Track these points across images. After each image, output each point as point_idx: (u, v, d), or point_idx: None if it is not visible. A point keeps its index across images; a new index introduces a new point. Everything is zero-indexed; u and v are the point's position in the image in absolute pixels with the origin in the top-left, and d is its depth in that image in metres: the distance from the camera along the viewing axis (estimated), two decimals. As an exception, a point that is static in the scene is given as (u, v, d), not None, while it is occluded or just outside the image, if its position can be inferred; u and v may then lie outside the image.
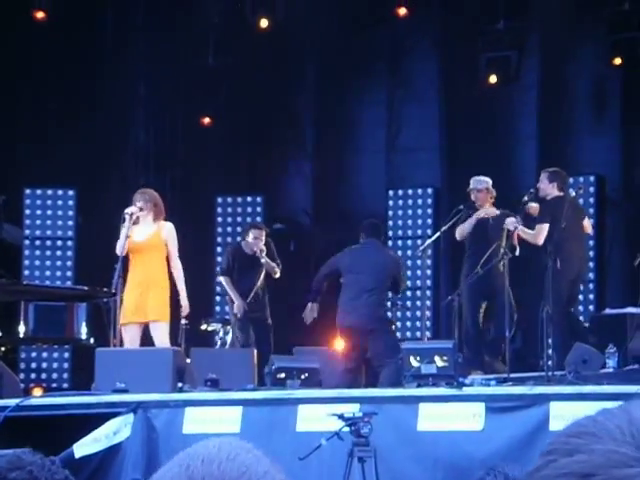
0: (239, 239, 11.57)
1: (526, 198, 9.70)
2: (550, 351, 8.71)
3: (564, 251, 9.38)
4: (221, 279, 11.26)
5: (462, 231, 10.05)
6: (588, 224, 10.16)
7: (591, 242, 11.42)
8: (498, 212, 9.98)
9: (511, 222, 9.61)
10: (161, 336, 8.65)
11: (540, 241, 9.47)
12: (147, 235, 8.78)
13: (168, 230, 8.83)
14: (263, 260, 10.53)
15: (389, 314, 10.41)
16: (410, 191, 12.68)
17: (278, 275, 10.68)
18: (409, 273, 12.51)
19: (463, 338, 9.87)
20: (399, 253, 12.63)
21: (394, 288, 9.98)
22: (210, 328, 11.21)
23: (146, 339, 8.82)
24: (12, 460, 2.23)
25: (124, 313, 8.67)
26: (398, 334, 12.02)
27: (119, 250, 8.64)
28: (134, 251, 8.75)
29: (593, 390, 6.91)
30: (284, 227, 12.60)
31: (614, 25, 11.79)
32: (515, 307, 9.56)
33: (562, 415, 6.70)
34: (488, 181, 10.21)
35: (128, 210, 8.70)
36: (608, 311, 10.32)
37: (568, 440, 1.11)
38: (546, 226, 9.46)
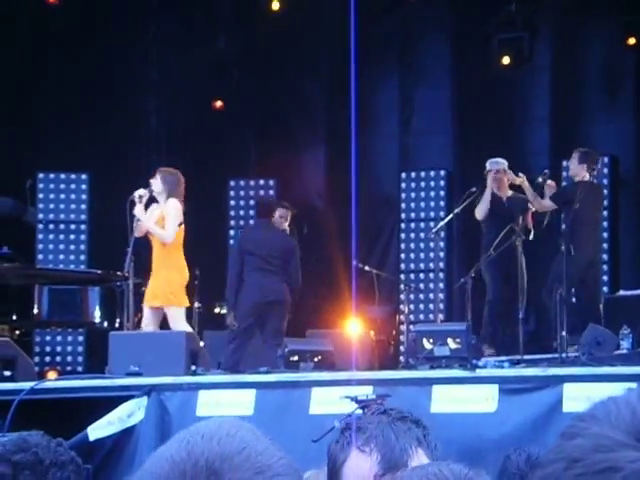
0: None
1: (540, 180, 9.69)
2: (564, 333, 8.69)
3: (578, 235, 9.37)
4: None
5: (481, 210, 10.01)
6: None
7: (605, 223, 11.39)
8: (510, 193, 9.97)
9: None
10: (175, 322, 8.66)
11: (540, 209, 9.52)
12: (156, 218, 8.78)
13: (168, 206, 8.77)
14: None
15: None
16: (423, 174, 12.66)
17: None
18: (422, 255, 12.51)
19: (484, 316, 9.86)
20: (412, 235, 12.64)
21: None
22: (223, 311, 11.24)
23: (166, 323, 8.85)
24: (18, 442, 2.24)
25: (146, 294, 8.75)
26: (411, 316, 12.04)
27: (135, 233, 8.64)
28: (148, 233, 8.77)
29: (607, 371, 6.90)
30: (297, 210, 12.59)
31: (627, 5, 11.73)
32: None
33: (576, 397, 6.69)
34: (505, 162, 10.20)
35: (136, 193, 8.69)
36: (622, 292, 10.30)
37: (574, 423, 1.10)
38: (551, 205, 9.50)
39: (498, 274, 9.86)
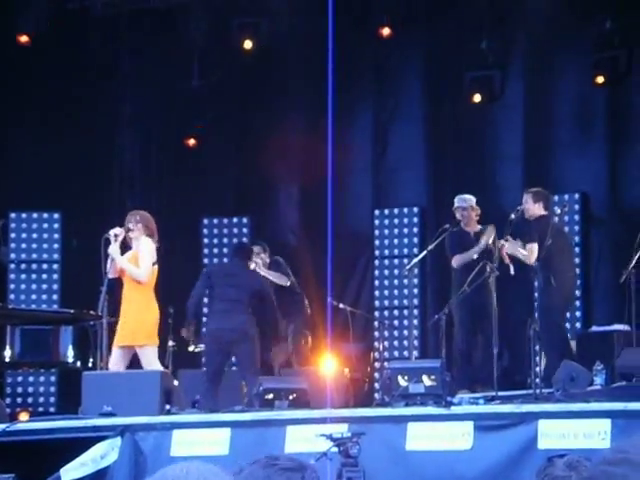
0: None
1: (513, 216, 9.74)
2: (537, 369, 8.71)
3: (553, 268, 9.43)
4: None
5: (462, 260, 10.04)
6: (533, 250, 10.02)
7: (577, 259, 11.45)
8: (493, 234, 10.02)
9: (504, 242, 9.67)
10: (148, 361, 8.60)
11: (532, 260, 9.54)
12: (130, 256, 8.76)
13: (142, 244, 8.76)
14: (261, 271, 10.61)
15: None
16: (396, 210, 12.70)
17: (285, 283, 10.70)
18: (396, 292, 12.52)
19: (453, 356, 9.89)
20: (385, 272, 12.66)
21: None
22: (198, 349, 11.19)
23: (137, 363, 8.78)
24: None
25: (115, 335, 8.63)
26: (386, 353, 12.03)
27: (109, 273, 8.59)
28: (122, 273, 8.72)
29: (581, 408, 6.91)
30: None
31: (596, 44, 11.86)
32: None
33: (551, 433, 6.70)
34: (472, 199, 10.28)
35: (111, 232, 8.67)
36: (595, 328, 10.35)
37: (607, 469, 1.08)
38: (536, 245, 9.53)
39: (466, 311, 9.88)
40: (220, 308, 9.62)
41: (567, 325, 11.29)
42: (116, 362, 8.62)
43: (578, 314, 11.72)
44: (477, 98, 12.33)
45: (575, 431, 6.64)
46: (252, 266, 10.40)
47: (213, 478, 1.22)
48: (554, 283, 9.25)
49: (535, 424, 6.79)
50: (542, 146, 12.35)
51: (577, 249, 11.41)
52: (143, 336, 8.63)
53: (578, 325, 11.59)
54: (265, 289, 10.01)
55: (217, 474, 1.23)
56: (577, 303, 11.68)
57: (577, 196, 11.91)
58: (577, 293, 11.50)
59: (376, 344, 11.76)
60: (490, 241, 10.05)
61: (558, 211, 10.67)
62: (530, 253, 9.55)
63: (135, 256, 8.77)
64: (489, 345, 9.14)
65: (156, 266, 8.80)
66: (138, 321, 8.63)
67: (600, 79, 11.77)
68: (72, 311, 11.02)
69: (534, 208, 9.77)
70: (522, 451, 6.67)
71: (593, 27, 11.85)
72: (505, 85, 12.44)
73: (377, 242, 12.68)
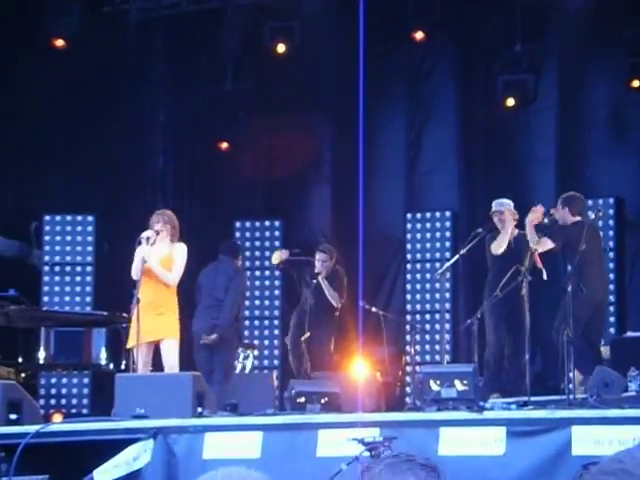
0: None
1: (546, 221, 9.69)
2: (571, 374, 8.65)
3: (586, 274, 9.37)
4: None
5: (500, 245, 9.99)
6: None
7: (611, 264, 11.38)
8: (516, 232, 9.97)
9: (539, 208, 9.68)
10: (171, 356, 8.62)
11: (539, 248, 9.49)
12: (161, 257, 8.80)
13: (178, 250, 8.86)
14: (322, 283, 10.60)
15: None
16: (428, 214, 12.67)
17: (336, 304, 10.71)
18: (427, 296, 12.49)
19: (485, 360, 9.84)
20: (417, 276, 12.63)
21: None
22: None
23: (156, 359, 8.84)
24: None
25: (138, 334, 8.60)
26: (417, 358, 12.00)
27: (135, 274, 8.64)
28: (147, 272, 8.74)
29: (616, 414, 6.86)
30: (301, 251, 12.60)
31: (631, 47, 11.79)
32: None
33: (584, 440, 6.65)
34: (510, 203, 10.22)
35: (144, 234, 8.71)
36: (629, 334, 10.26)
37: (603, 478, 1.08)
38: (550, 242, 9.50)
39: (499, 316, 9.84)
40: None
41: (599, 331, 11.24)
42: (146, 360, 8.66)
43: (612, 319, 11.64)
44: (510, 102, 12.28)
45: (609, 437, 6.59)
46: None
47: None
48: (584, 290, 9.18)
49: (569, 430, 6.73)
50: (576, 150, 12.29)
51: (611, 254, 11.34)
52: (170, 330, 8.69)
53: (612, 330, 11.51)
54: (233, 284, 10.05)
55: (258, 479, 1.22)
56: (611, 308, 11.60)
57: (611, 200, 11.83)
58: (611, 298, 11.43)
59: (408, 348, 11.73)
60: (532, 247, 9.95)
61: (592, 216, 10.58)
62: (541, 242, 9.51)
63: (166, 258, 8.80)
64: (522, 350, 9.10)
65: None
66: (166, 317, 8.70)
67: (635, 83, 11.70)
68: (105, 313, 11.09)
69: (565, 213, 9.71)
70: (555, 457, 6.62)
71: (627, 31, 11.78)
72: (539, 89, 12.38)
73: (409, 246, 12.66)
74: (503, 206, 10.18)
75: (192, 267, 9.10)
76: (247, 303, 13.07)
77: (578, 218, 9.75)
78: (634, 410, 6.90)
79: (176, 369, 8.63)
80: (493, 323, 9.89)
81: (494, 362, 9.92)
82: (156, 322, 8.66)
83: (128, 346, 8.86)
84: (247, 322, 13.01)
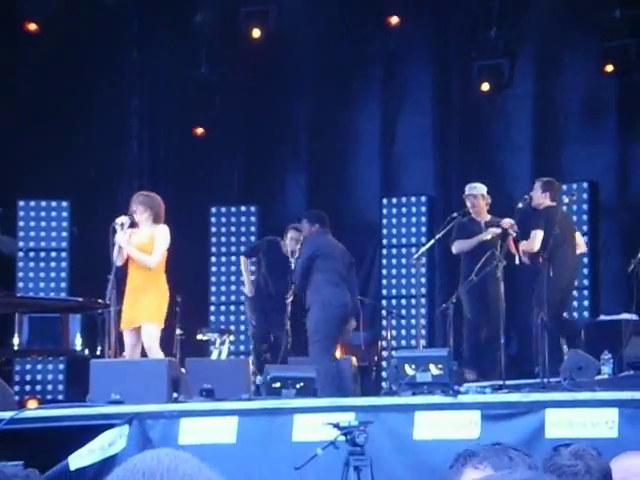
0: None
1: (520, 205, 9.73)
2: (545, 358, 8.70)
3: (557, 259, 9.43)
4: (241, 259, 11.47)
5: (461, 247, 10.05)
6: (582, 241, 10.21)
7: (585, 249, 11.42)
8: (499, 231, 9.99)
9: (507, 222, 9.69)
10: (149, 339, 8.49)
11: (535, 247, 9.53)
12: (142, 241, 8.71)
13: (158, 232, 8.75)
14: (293, 264, 10.53)
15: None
16: (404, 199, 12.68)
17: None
18: (403, 281, 12.53)
19: (461, 344, 9.88)
20: (393, 261, 12.65)
21: None
22: (205, 338, 11.20)
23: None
24: (-7, 474, 2.22)
25: (123, 318, 8.59)
26: (393, 342, 12.03)
27: (116, 261, 8.56)
28: (131, 257, 8.69)
29: (589, 397, 6.91)
30: (277, 238, 12.59)
31: (606, 32, 11.83)
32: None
33: (558, 422, 6.70)
34: (483, 187, 10.26)
35: (118, 220, 8.65)
36: (603, 318, 10.34)
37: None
38: (540, 232, 9.52)
39: (476, 298, 9.89)
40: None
41: (574, 314, 11.30)
42: (133, 343, 8.52)
43: (586, 303, 11.71)
44: (486, 87, 12.30)
45: (583, 420, 6.64)
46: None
47: (184, 465, 1.21)
48: (552, 275, 9.22)
49: (542, 413, 6.78)
50: (551, 135, 12.33)
51: (585, 238, 11.39)
52: (149, 314, 8.56)
53: (586, 314, 11.58)
54: None
55: (188, 460, 1.22)
56: (585, 292, 11.67)
57: (586, 185, 11.88)
58: (585, 282, 11.50)
59: (384, 333, 11.76)
60: (496, 234, 9.99)
61: (566, 200, 10.64)
62: (533, 239, 9.55)
63: (147, 241, 8.69)
64: (497, 334, 9.15)
65: (166, 251, 8.79)
66: (145, 303, 8.60)
67: (610, 68, 11.74)
68: (80, 299, 11.04)
69: (541, 197, 9.75)
70: (529, 440, 6.66)
71: (603, 16, 11.81)
72: (514, 74, 12.41)
73: (385, 231, 12.67)
74: (477, 190, 10.22)
75: (170, 252, 9.03)
76: (223, 288, 13.08)
77: (553, 203, 9.81)
78: (607, 393, 6.96)
79: (155, 354, 8.52)
80: (470, 305, 9.94)
81: (473, 339, 9.96)
82: (135, 307, 8.59)
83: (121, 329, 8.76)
84: (222, 307, 13.00)
